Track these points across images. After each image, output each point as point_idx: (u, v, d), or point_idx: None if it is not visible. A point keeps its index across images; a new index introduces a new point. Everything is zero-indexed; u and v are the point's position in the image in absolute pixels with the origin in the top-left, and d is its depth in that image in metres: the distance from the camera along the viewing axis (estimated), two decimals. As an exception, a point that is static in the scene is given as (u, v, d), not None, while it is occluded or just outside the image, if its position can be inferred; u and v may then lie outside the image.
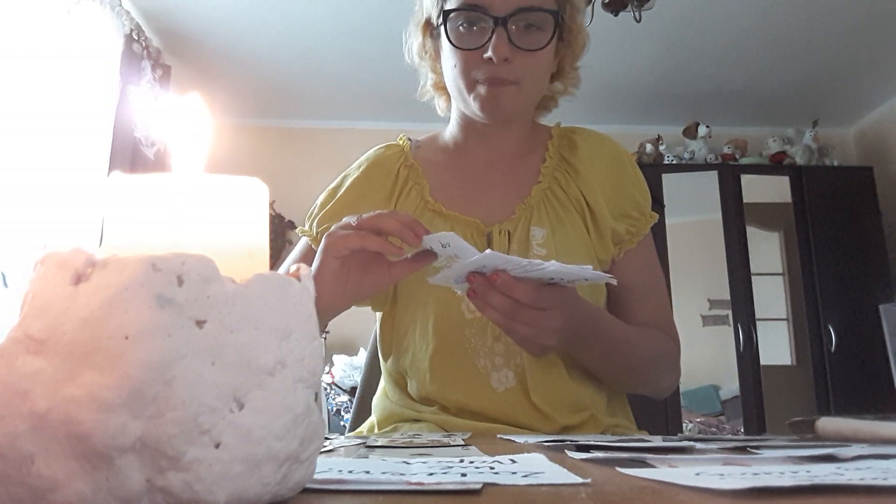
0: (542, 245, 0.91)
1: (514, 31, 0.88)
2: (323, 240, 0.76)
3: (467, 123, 1.01)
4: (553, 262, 0.66)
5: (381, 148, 1.05)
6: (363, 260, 0.77)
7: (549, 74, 0.97)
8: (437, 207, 0.95)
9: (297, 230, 1.02)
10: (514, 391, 0.87)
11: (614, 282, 0.72)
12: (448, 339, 0.89)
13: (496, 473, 0.36)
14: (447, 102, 1.05)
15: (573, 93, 1.04)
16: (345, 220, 0.77)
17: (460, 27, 0.91)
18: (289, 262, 0.96)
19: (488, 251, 0.66)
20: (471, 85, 0.91)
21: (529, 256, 0.90)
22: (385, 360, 0.99)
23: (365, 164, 1.02)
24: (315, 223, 0.98)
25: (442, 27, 0.92)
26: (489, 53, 0.87)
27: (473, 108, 0.93)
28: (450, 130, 1.05)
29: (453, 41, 0.91)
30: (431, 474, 0.36)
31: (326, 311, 0.79)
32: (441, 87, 1.03)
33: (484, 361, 0.88)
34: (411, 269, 0.77)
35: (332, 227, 0.77)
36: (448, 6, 0.91)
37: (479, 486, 0.32)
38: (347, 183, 1.01)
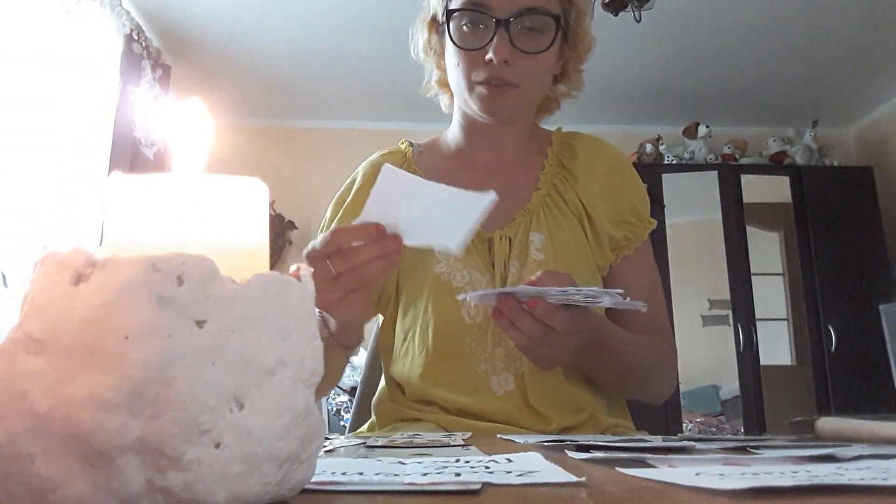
0: (539, 250, 0.91)
1: (515, 33, 0.88)
2: (325, 310, 0.75)
3: (469, 124, 1.01)
4: (606, 296, 0.67)
5: (383, 153, 1.05)
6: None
7: (550, 77, 0.98)
8: None
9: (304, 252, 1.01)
10: (513, 394, 0.88)
11: (644, 309, 0.72)
12: (448, 345, 0.89)
13: (491, 473, 0.36)
14: (451, 99, 1.05)
15: (575, 96, 1.04)
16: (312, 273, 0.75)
17: (463, 27, 0.91)
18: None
19: (553, 288, 0.67)
20: (471, 85, 0.92)
21: (528, 262, 0.91)
22: (386, 363, 0.99)
23: (369, 170, 1.02)
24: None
25: (445, 26, 0.93)
26: (490, 55, 0.88)
27: (474, 108, 0.94)
28: (451, 132, 1.05)
29: (456, 41, 0.91)
30: (426, 474, 0.36)
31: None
32: (445, 84, 1.04)
33: (484, 366, 0.89)
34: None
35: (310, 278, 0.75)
36: (452, 5, 0.92)
37: (478, 487, 0.32)
38: (354, 189, 1.00)
